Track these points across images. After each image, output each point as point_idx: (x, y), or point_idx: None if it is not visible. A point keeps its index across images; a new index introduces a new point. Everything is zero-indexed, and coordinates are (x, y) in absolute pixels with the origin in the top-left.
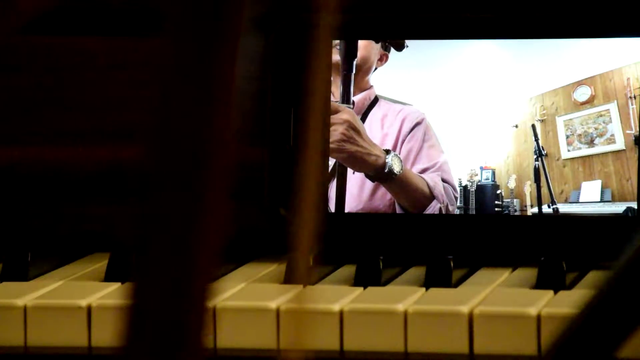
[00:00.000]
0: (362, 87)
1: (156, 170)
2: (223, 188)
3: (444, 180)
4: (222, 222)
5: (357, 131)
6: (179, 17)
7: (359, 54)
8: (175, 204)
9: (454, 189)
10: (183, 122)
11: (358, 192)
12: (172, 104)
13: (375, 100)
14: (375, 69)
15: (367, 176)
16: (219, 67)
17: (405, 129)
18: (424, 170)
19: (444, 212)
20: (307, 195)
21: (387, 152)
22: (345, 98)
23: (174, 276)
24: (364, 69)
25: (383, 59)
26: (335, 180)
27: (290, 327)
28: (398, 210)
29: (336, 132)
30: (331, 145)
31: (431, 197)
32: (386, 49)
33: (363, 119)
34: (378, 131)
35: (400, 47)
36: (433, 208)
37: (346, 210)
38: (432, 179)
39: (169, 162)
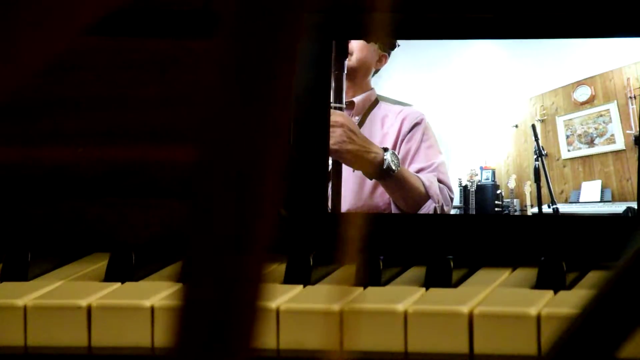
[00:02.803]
0: (363, 88)
1: (209, 169)
2: (275, 188)
3: (440, 181)
4: (273, 222)
5: (353, 132)
6: (237, 18)
7: (357, 55)
8: (227, 203)
9: (450, 189)
10: (239, 122)
11: (358, 190)
12: (228, 104)
13: (376, 102)
14: (376, 70)
15: (366, 174)
16: (277, 68)
17: (405, 128)
18: (420, 170)
19: (438, 212)
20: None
21: (385, 149)
22: (338, 98)
23: (226, 277)
24: (363, 71)
25: (382, 60)
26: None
27: (338, 329)
28: (394, 209)
29: (335, 134)
30: (333, 147)
31: (426, 196)
32: (385, 50)
33: (363, 119)
34: (378, 131)
35: (392, 47)
36: (428, 208)
37: (346, 208)
38: (428, 179)
39: (223, 162)
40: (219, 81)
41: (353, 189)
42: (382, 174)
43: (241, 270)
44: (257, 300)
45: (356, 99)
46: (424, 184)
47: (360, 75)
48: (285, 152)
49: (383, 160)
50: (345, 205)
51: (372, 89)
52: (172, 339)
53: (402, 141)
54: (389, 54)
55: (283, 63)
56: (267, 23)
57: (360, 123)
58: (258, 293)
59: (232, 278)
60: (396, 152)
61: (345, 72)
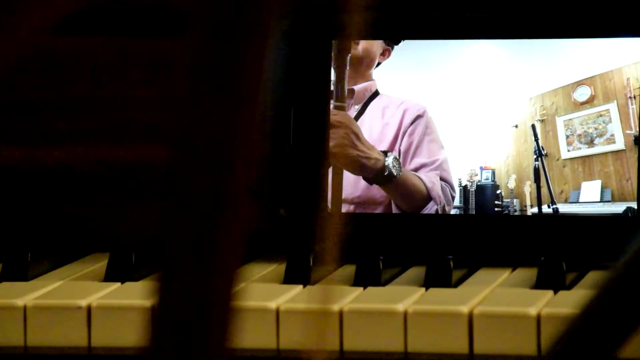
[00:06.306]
0: (365, 78)
1: (181, 172)
2: (247, 190)
3: (442, 179)
4: (246, 224)
5: (356, 135)
6: (205, 18)
7: (363, 45)
8: (199, 205)
9: (452, 188)
10: (209, 124)
11: (355, 180)
12: (198, 106)
13: (377, 93)
14: (379, 63)
15: (366, 179)
16: (246, 69)
17: (407, 121)
18: (422, 166)
19: (439, 212)
20: (334, 196)
21: (386, 153)
22: (340, 97)
23: (198, 277)
24: (366, 62)
25: (385, 53)
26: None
27: (312, 327)
28: (394, 205)
29: (337, 135)
30: (332, 149)
31: (428, 198)
32: (389, 44)
33: (363, 109)
34: (378, 121)
35: (396, 41)
36: (429, 209)
37: (343, 197)
38: (430, 180)
39: (194, 165)
40: (190, 80)
41: (350, 179)
42: (383, 179)
43: (215, 271)
44: (232, 300)
45: (356, 87)
46: (426, 186)
47: (364, 65)
48: (257, 150)
49: (384, 166)
50: (342, 194)
51: (373, 80)
52: (148, 339)
53: (403, 134)
54: (393, 48)
55: (253, 60)
56: (238, 21)
57: (360, 113)
58: (232, 293)
59: (207, 279)
60: (397, 145)
61: (348, 68)
